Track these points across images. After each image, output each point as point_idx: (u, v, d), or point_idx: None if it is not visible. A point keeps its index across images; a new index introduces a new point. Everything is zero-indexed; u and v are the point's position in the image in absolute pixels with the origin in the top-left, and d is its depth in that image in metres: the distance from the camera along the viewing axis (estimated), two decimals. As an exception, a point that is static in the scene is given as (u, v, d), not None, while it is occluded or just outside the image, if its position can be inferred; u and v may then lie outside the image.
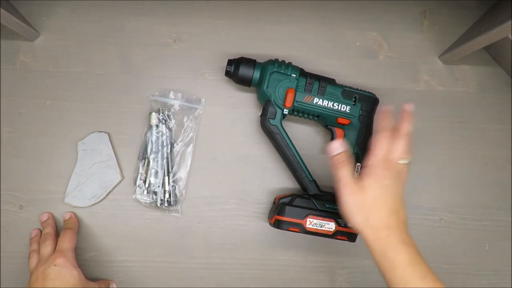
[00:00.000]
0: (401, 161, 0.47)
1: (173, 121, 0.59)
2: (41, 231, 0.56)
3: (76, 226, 0.57)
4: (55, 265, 0.49)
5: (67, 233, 0.53)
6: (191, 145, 0.59)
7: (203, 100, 0.60)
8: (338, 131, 0.56)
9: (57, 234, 0.55)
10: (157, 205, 0.58)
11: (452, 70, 0.64)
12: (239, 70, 0.55)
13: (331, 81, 0.56)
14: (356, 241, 0.54)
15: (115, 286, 0.56)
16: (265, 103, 0.55)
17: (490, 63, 0.64)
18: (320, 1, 0.64)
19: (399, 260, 0.43)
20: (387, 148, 0.47)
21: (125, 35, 0.62)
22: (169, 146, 0.58)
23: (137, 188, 0.58)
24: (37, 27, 0.61)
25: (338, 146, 0.48)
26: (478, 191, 0.62)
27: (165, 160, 0.58)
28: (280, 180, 0.60)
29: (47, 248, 0.52)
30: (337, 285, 0.59)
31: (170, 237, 0.58)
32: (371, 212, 0.45)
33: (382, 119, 0.51)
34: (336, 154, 0.48)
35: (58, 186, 0.58)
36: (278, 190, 0.60)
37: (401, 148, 0.48)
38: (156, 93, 0.60)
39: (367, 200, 0.45)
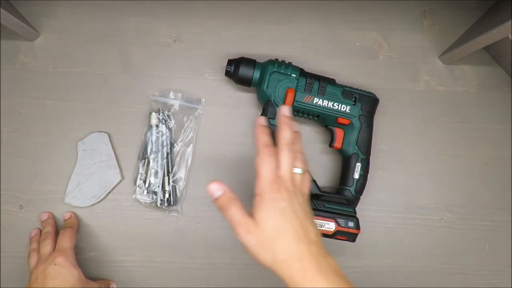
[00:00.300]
0: (294, 171, 0.43)
1: (173, 121, 0.59)
2: (41, 231, 0.56)
3: (76, 225, 0.57)
4: (55, 264, 0.49)
5: (67, 232, 0.53)
6: (191, 145, 0.59)
7: (203, 100, 0.60)
8: (338, 131, 0.56)
9: (57, 234, 0.55)
10: (157, 205, 0.58)
11: (452, 70, 0.64)
12: (239, 70, 0.55)
13: (331, 81, 0.56)
14: (356, 241, 0.54)
15: (115, 286, 0.56)
16: (265, 103, 0.55)
17: (490, 63, 0.64)
18: (320, 1, 0.64)
19: None
20: (273, 166, 0.41)
21: (125, 35, 0.62)
22: (169, 146, 0.58)
23: (137, 188, 0.58)
24: (37, 27, 0.61)
25: (216, 189, 0.42)
26: (478, 191, 0.62)
27: (165, 160, 0.58)
28: (280, 180, 0.60)
29: (46, 247, 0.52)
30: (337, 285, 0.59)
31: (170, 237, 0.58)
32: (275, 246, 0.39)
33: (259, 135, 0.44)
34: (217, 198, 0.42)
35: (58, 186, 0.58)
36: (278, 190, 0.60)
37: (286, 160, 0.42)
38: (156, 93, 0.60)
39: (267, 235, 0.39)
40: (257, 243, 0.39)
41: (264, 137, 0.43)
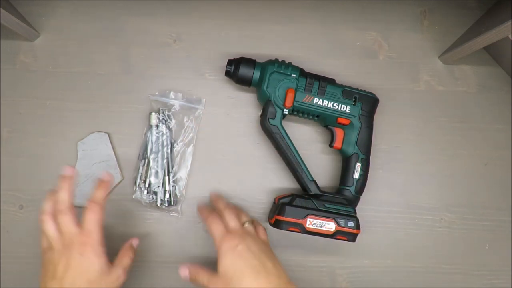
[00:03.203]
0: (245, 226, 0.50)
1: (173, 121, 0.59)
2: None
3: (106, 197, 0.49)
4: (80, 254, 0.45)
5: (95, 208, 0.47)
6: (191, 145, 0.59)
7: (204, 100, 0.60)
8: (338, 131, 0.56)
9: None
10: (157, 205, 0.58)
11: (452, 70, 0.64)
12: (239, 70, 0.55)
13: (331, 81, 0.56)
14: (356, 241, 0.54)
15: (136, 242, 0.54)
16: (265, 103, 0.55)
17: (490, 63, 0.64)
18: (320, 1, 0.64)
19: None
20: (221, 225, 0.49)
21: (125, 35, 0.62)
22: (169, 146, 0.58)
23: (137, 188, 0.58)
24: (37, 27, 0.61)
25: (183, 271, 0.49)
26: (478, 191, 0.62)
27: (165, 160, 0.58)
28: (280, 180, 0.60)
29: (68, 225, 0.46)
30: (337, 285, 0.59)
31: (170, 237, 0.58)
32: (238, 285, 0.44)
33: (201, 211, 0.55)
34: (187, 276, 0.49)
35: (58, 186, 0.58)
36: (278, 190, 0.60)
37: (231, 217, 0.50)
38: (156, 93, 0.60)
39: (229, 279, 0.44)
40: None
41: (205, 210, 0.53)
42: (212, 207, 0.56)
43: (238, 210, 0.54)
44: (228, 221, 0.50)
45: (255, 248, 0.47)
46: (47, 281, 0.46)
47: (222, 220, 0.50)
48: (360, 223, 0.54)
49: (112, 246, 0.58)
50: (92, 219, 0.47)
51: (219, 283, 0.45)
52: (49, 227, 0.47)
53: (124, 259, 0.51)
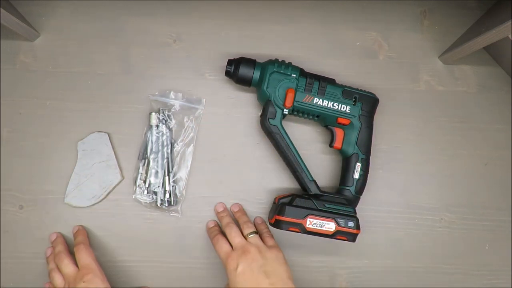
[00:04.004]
0: (249, 238, 0.52)
1: (173, 121, 0.59)
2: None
3: (87, 237, 0.56)
4: (83, 282, 0.49)
5: (81, 248, 0.52)
6: (192, 145, 0.59)
7: (204, 100, 0.60)
8: (338, 131, 0.56)
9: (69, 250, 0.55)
10: (157, 205, 0.58)
11: (452, 70, 0.64)
12: (239, 70, 0.55)
13: (331, 81, 0.56)
14: (356, 241, 0.54)
15: None
16: (265, 103, 0.55)
17: (490, 63, 0.64)
18: (320, 1, 0.64)
19: None
20: (225, 245, 0.52)
21: (125, 35, 0.62)
22: (169, 146, 0.58)
23: (137, 188, 0.58)
24: (37, 27, 0.61)
25: None
26: (478, 191, 0.62)
27: (165, 160, 0.58)
28: (280, 180, 0.60)
29: (68, 267, 0.51)
30: (337, 285, 0.59)
31: (170, 237, 0.58)
32: None
33: (209, 232, 0.56)
34: None
35: (58, 186, 0.58)
36: (278, 190, 0.60)
37: (233, 233, 0.53)
38: (156, 93, 0.60)
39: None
40: None
41: (213, 230, 0.56)
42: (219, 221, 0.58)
43: (243, 220, 0.55)
44: (232, 238, 0.52)
45: (256, 264, 0.49)
46: None
47: (225, 238, 0.53)
48: (360, 223, 0.54)
49: (112, 246, 0.58)
50: (84, 256, 0.52)
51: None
52: (56, 278, 0.52)
53: None
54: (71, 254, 0.53)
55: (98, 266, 0.52)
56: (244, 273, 0.49)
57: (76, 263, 0.52)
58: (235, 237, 0.52)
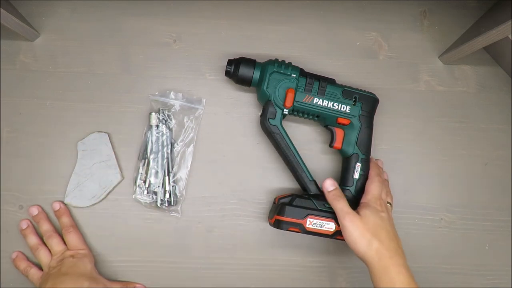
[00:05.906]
0: (388, 203, 0.54)
1: (173, 121, 0.59)
2: (31, 223, 0.57)
3: (71, 219, 0.57)
4: (73, 257, 0.52)
5: (72, 230, 0.55)
6: (192, 145, 0.59)
7: (204, 100, 0.60)
8: (338, 131, 0.56)
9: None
10: (157, 205, 0.58)
11: (452, 70, 0.64)
12: (239, 70, 0.55)
13: (331, 81, 0.56)
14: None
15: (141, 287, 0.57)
16: (265, 103, 0.55)
17: (490, 63, 0.64)
18: (320, 1, 0.64)
19: (400, 281, 0.46)
20: (380, 189, 0.53)
21: (125, 35, 0.62)
22: (169, 146, 0.58)
23: (137, 188, 0.58)
24: (37, 27, 0.61)
25: (330, 185, 0.53)
26: (478, 191, 0.62)
27: (165, 160, 0.58)
28: (280, 180, 0.60)
29: (58, 246, 0.54)
30: (337, 285, 0.59)
31: (170, 237, 0.58)
32: (373, 237, 0.48)
33: (375, 168, 0.56)
34: (331, 191, 0.52)
35: (58, 186, 0.58)
36: (278, 190, 0.60)
37: (388, 192, 0.55)
38: (156, 93, 0.60)
39: (368, 227, 0.48)
40: (358, 232, 0.48)
41: (377, 170, 0.56)
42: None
43: (390, 192, 0.57)
44: (385, 192, 0.55)
45: (390, 224, 0.51)
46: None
47: (381, 186, 0.54)
48: (360, 223, 0.54)
49: (112, 246, 0.58)
50: (73, 238, 0.55)
51: (357, 223, 0.49)
52: (43, 254, 0.54)
53: (118, 285, 0.56)
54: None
55: (89, 251, 0.55)
56: (386, 220, 0.50)
57: (65, 244, 0.55)
58: (386, 193, 0.55)
